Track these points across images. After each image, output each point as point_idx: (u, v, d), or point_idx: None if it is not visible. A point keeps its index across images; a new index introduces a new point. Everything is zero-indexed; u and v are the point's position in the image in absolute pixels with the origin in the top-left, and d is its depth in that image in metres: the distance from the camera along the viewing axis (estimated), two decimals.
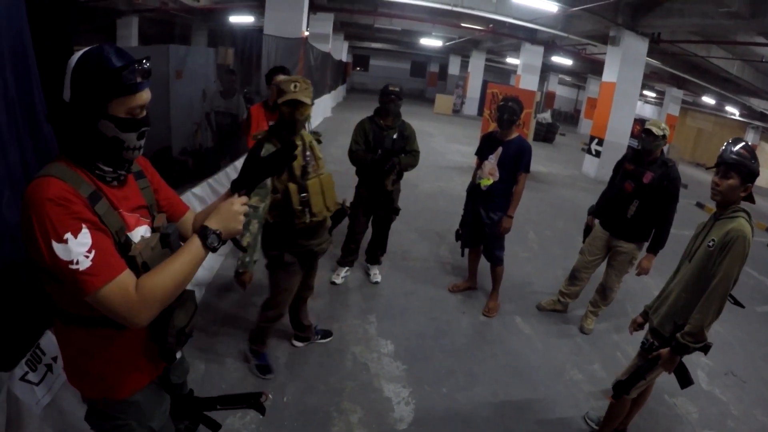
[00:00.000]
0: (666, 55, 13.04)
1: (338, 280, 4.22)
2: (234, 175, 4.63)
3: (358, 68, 29.97)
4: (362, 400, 2.93)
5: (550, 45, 15.96)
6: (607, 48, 11.24)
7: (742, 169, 2.20)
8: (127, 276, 1.17)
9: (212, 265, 4.14)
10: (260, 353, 3.02)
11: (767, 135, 22.47)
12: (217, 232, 1.29)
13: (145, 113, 1.27)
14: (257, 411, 1.63)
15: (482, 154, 4.00)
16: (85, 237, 1.12)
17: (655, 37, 10.85)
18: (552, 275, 5.23)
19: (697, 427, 3.31)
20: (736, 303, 2.40)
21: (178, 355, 1.49)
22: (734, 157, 2.20)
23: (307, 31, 9.66)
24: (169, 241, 1.35)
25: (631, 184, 3.71)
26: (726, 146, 2.27)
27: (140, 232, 1.33)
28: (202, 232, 1.28)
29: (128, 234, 1.27)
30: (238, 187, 1.40)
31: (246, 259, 2.41)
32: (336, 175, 7.51)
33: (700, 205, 10.88)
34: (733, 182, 2.22)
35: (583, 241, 4.20)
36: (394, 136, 3.84)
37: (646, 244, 3.88)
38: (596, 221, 4.10)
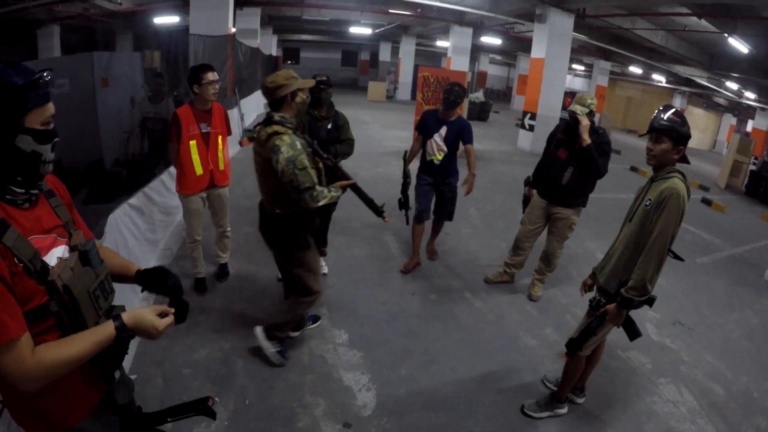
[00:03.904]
0: (592, 30, 13.49)
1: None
2: (169, 183, 4.50)
3: (289, 62, 29.45)
4: (324, 392, 2.93)
5: (479, 26, 16.15)
6: (534, 26, 11.52)
7: (673, 133, 2.33)
8: (24, 341, 1.13)
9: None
10: (282, 340, 3.12)
11: (694, 99, 23.75)
12: (129, 333, 1.33)
13: (53, 125, 1.25)
14: (207, 416, 1.59)
15: (425, 131, 4.37)
16: None
17: (580, 12, 11.23)
18: (496, 248, 5.38)
19: (652, 376, 3.51)
20: (676, 257, 2.54)
21: (117, 374, 1.45)
22: (665, 123, 2.34)
23: (233, 27, 9.42)
24: (89, 259, 1.31)
25: (565, 152, 3.86)
26: (657, 113, 2.40)
27: (56, 254, 1.28)
28: (120, 326, 1.30)
29: (43, 258, 1.23)
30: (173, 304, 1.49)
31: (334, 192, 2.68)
32: None
33: (634, 169, 11.43)
34: (666, 146, 2.35)
35: (523, 212, 4.34)
36: (329, 127, 3.83)
37: (583, 209, 4.05)
38: (534, 191, 4.24)
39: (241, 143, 9.40)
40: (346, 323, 3.68)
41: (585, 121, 3.68)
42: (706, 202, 9.40)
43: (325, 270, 4.34)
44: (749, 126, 21.53)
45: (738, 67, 13.15)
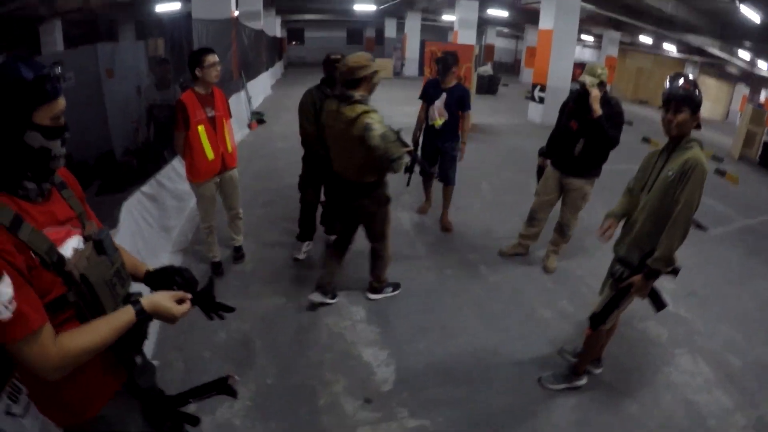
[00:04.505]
0: (600, 0, 13.23)
1: (301, 256, 4.22)
2: (180, 169, 4.52)
3: (294, 42, 29.20)
4: (343, 369, 2.97)
5: None
6: None
7: (691, 102, 2.31)
8: (46, 331, 1.14)
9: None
10: (386, 284, 3.72)
11: (706, 69, 23.28)
12: (148, 316, 1.35)
13: (63, 120, 1.25)
14: (228, 395, 1.60)
15: (427, 98, 4.81)
16: (7, 286, 1.08)
17: None
18: (509, 222, 5.35)
19: (669, 347, 3.52)
20: (699, 227, 2.52)
21: (138, 359, 1.47)
22: (682, 92, 2.31)
23: (236, 10, 9.34)
24: (103, 248, 1.32)
25: (576, 122, 3.83)
26: (671, 83, 2.37)
27: (72, 245, 1.28)
28: (139, 310, 1.32)
29: (59, 250, 1.23)
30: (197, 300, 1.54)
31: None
32: (282, 152, 7.43)
33: (646, 140, 11.28)
34: (685, 116, 2.33)
35: (537, 183, 4.33)
36: None
37: (596, 180, 4.03)
38: (548, 162, 4.23)
39: (250, 126, 9.34)
40: (362, 300, 3.72)
41: (595, 92, 3.64)
42: (720, 173, 9.28)
43: None
44: (762, 96, 21.12)
45: (750, 36, 12.86)
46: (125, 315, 1.30)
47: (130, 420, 1.46)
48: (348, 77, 2.91)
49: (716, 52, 16.20)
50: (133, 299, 1.36)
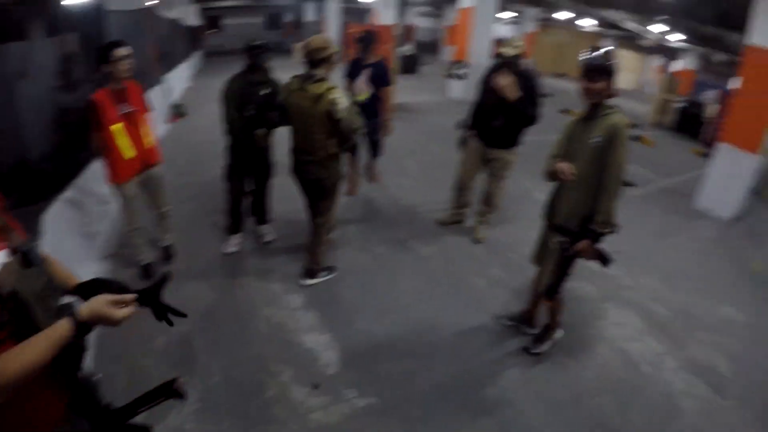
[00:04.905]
0: None
1: (230, 249, 4.10)
2: (99, 171, 4.31)
3: (212, 30, 28.02)
4: (287, 358, 2.96)
5: None
6: None
7: (606, 71, 2.50)
8: None
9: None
10: (323, 269, 3.80)
11: (621, 42, 24.44)
12: (86, 325, 1.23)
13: None
14: (177, 398, 1.53)
15: (352, 75, 4.89)
16: None
17: None
18: (437, 196, 5.42)
19: (599, 302, 3.77)
20: (629, 184, 2.69)
21: (79, 375, 1.38)
22: (597, 62, 2.50)
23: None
24: (30, 259, 1.24)
25: (495, 99, 3.91)
26: (587, 55, 2.56)
27: None
28: (74, 320, 1.20)
29: None
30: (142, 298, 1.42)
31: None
32: (206, 145, 7.19)
33: (565, 111, 11.75)
34: (602, 84, 2.51)
35: (462, 152, 4.46)
36: (268, 91, 3.75)
37: (520, 149, 4.19)
38: (469, 132, 4.35)
39: (170, 120, 8.83)
40: (297, 287, 3.69)
41: (504, 82, 3.72)
42: (634, 138, 9.82)
43: (270, 237, 4.32)
44: (673, 67, 22.43)
45: (664, 11, 13.49)
46: (61, 328, 1.19)
47: None
48: (311, 57, 3.11)
49: (632, 26, 17.01)
50: (67, 310, 1.26)
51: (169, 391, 1.52)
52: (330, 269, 3.85)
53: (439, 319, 3.40)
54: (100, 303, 1.28)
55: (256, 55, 3.70)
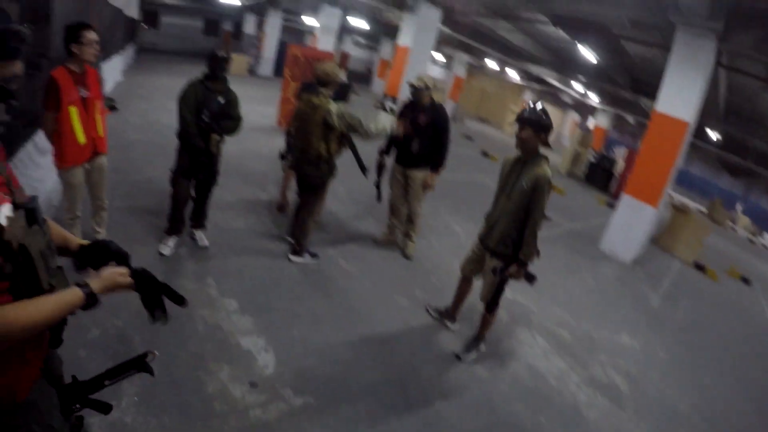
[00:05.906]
0: (457, 24, 14.32)
1: (166, 251, 4.03)
2: (34, 155, 4.15)
3: (148, 26, 26.37)
4: (225, 358, 3.02)
5: (349, 7, 16.08)
6: (403, 15, 11.95)
7: (536, 123, 3.03)
8: None
9: None
10: (307, 250, 4.45)
11: (543, 96, 26.45)
12: (95, 293, 1.29)
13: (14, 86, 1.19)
14: (147, 372, 1.56)
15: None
16: None
17: (449, 8, 11.87)
18: (365, 219, 5.81)
19: (510, 326, 4.19)
20: (545, 218, 3.31)
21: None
22: (528, 114, 3.04)
23: None
24: (35, 217, 1.21)
25: (410, 126, 4.54)
26: (524, 108, 3.12)
27: (4, 212, 1.15)
28: (89, 294, 1.27)
29: None
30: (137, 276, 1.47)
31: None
32: (138, 144, 6.99)
33: (485, 154, 12.59)
34: (528, 133, 3.05)
35: (377, 177, 4.89)
36: (222, 101, 3.87)
37: (438, 188, 4.80)
38: (386, 158, 4.88)
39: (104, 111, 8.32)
40: (234, 291, 3.74)
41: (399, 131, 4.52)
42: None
43: (206, 242, 4.29)
44: (589, 123, 24.59)
45: (584, 72, 14.75)
46: (71, 296, 1.23)
47: (52, 410, 1.37)
48: (322, 79, 4.02)
49: (554, 82, 18.52)
50: (81, 283, 1.27)
51: (141, 364, 1.55)
52: (314, 255, 4.46)
53: (368, 332, 3.64)
54: (112, 275, 1.36)
55: (217, 65, 3.83)
